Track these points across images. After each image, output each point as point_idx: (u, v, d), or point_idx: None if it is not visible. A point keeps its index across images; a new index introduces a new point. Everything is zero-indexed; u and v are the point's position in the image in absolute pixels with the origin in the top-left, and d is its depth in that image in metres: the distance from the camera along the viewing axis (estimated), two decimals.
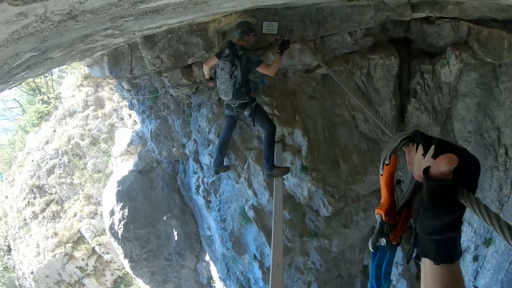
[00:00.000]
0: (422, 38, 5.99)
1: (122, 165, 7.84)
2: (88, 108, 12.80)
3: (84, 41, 3.61)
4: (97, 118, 12.56)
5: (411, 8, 5.04)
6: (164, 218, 7.04)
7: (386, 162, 0.75)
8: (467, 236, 7.00)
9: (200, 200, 6.22)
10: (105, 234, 9.57)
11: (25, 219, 12.29)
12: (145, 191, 7.06)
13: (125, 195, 7.03)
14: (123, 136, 8.73)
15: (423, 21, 5.82)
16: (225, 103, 4.49)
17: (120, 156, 8.15)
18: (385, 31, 5.78)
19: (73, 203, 12.25)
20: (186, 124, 5.83)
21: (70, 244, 11.92)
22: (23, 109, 15.24)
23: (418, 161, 0.66)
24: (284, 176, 4.72)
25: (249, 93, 4.23)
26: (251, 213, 5.05)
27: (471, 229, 7.00)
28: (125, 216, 6.89)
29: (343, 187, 5.38)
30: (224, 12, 3.95)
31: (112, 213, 7.29)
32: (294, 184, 4.91)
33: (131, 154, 7.99)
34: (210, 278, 8.17)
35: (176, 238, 7.08)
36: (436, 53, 6.02)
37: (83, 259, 11.86)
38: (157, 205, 7.06)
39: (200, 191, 6.07)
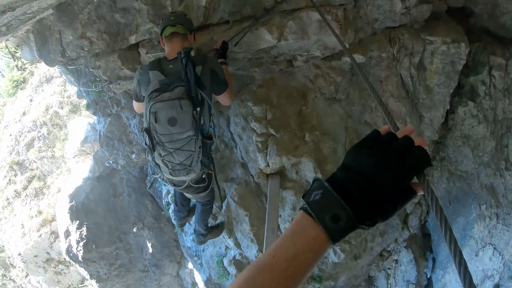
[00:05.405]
0: (492, 13, 3.69)
1: (76, 170, 5.82)
2: None
3: None
4: None
5: None
6: (134, 229, 5.23)
7: None
8: (494, 266, 5.36)
9: (172, 220, 4.35)
10: None
11: (8, 199, 10.62)
12: (106, 202, 5.16)
13: (80, 210, 5.13)
14: (78, 129, 6.46)
15: None
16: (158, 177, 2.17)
17: (74, 157, 6.04)
18: None
19: (56, 178, 10.41)
20: None
21: (55, 222, 10.50)
22: (1, 74, 12.76)
23: None
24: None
25: (210, 162, 2.07)
26: (232, 270, 3.17)
27: (501, 260, 5.31)
28: (83, 236, 5.07)
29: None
30: None
31: (67, 233, 5.46)
32: None
33: (87, 154, 5.87)
34: (194, 284, 6.69)
35: (150, 250, 5.34)
36: (506, 39, 3.74)
37: None
38: (124, 216, 5.21)
39: (170, 211, 4.15)
